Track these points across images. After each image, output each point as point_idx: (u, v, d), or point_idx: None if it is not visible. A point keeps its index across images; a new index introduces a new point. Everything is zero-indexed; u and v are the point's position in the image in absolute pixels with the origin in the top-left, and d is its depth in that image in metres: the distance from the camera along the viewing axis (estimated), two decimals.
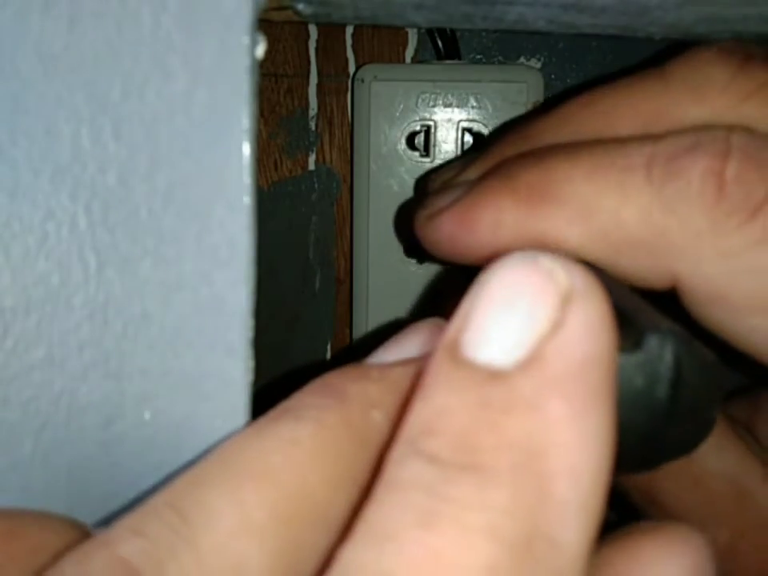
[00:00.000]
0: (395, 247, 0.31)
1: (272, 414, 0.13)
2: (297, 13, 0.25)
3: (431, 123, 0.30)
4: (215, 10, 0.15)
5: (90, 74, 0.15)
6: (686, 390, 0.14)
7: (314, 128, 0.33)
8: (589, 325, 0.11)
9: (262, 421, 0.13)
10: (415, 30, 0.32)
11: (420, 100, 0.30)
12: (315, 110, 0.33)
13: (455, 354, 0.12)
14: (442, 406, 0.11)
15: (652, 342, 0.13)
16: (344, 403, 0.13)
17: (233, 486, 0.12)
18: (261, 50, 0.16)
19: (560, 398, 0.11)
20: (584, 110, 0.19)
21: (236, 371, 0.16)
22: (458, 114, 0.30)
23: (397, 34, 0.32)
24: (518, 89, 0.30)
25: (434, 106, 0.30)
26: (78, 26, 0.15)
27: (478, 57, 0.32)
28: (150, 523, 0.11)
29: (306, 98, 0.33)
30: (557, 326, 0.11)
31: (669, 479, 0.22)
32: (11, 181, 0.15)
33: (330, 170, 0.33)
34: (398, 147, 0.30)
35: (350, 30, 0.32)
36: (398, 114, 0.30)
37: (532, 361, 0.11)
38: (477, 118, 0.30)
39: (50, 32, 0.15)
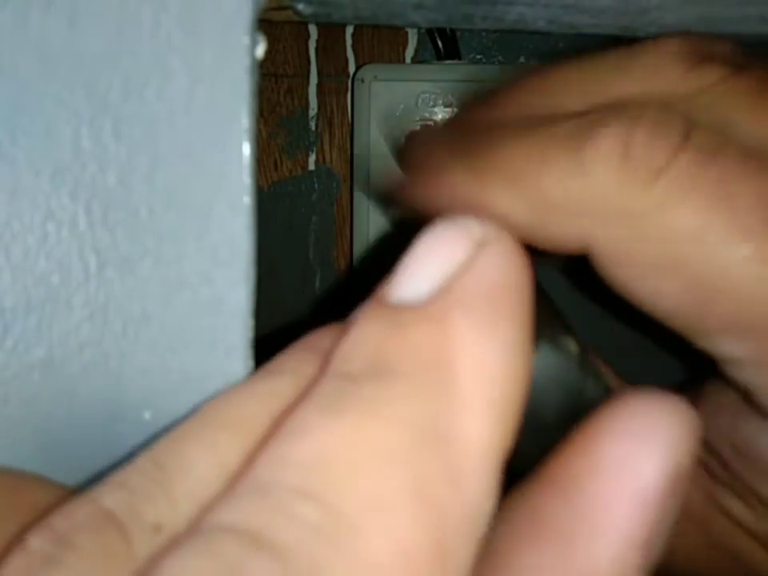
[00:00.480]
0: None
1: (253, 375, 0.14)
2: (297, 13, 0.25)
3: (431, 123, 0.30)
4: (215, 10, 0.15)
5: (90, 74, 0.15)
6: (550, 410, 0.13)
7: (314, 128, 0.33)
8: (497, 261, 0.12)
9: (243, 383, 0.14)
10: (415, 30, 0.32)
11: (420, 100, 0.30)
12: (315, 110, 0.33)
13: (378, 300, 0.13)
14: (358, 335, 0.12)
15: (540, 351, 0.13)
16: (320, 356, 0.14)
17: (209, 437, 0.12)
18: (261, 50, 0.16)
19: (464, 313, 0.12)
20: (539, 85, 0.21)
21: (236, 371, 0.16)
22: None
23: (397, 33, 0.32)
24: None
25: (434, 106, 0.30)
26: (78, 26, 0.15)
27: (478, 57, 0.32)
28: (132, 476, 0.12)
29: (306, 98, 0.33)
30: (467, 264, 0.12)
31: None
32: (11, 181, 0.15)
33: (330, 170, 0.33)
34: (399, 147, 0.30)
35: (350, 30, 0.32)
36: (398, 115, 0.30)
37: (441, 291, 0.12)
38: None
39: (50, 32, 0.15)
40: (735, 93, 0.19)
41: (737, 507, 0.21)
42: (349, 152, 0.33)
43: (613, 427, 0.12)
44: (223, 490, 0.12)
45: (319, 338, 0.14)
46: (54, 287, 0.16)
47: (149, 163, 0.16)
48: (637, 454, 0.12)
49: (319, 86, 0.32)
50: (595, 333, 0.29)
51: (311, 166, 0.33)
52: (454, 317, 0.12)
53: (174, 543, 0.11)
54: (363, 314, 0.13)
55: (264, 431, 0.12)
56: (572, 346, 0.14)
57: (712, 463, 0.22)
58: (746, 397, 0.20)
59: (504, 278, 0.12)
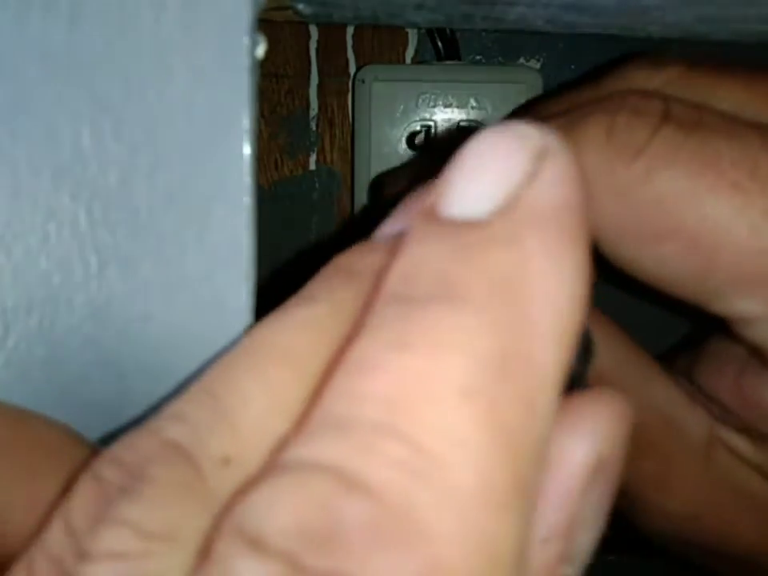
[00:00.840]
0: None
1: (288, 302, 0.13)
2: (297, 13, 0.25)
3: (431, 123, 0.30)
4: (215, 10, 0.15)
5: (90, 74, 0.15)
6: None
7: (314, 128, 0.33)
8: (562, 175, 0.12)
9: (280, 309, 0.13)
10: (415, 30, 0.32)
11: (420, 100, 0.30)
12: (316, 111, 0.33)
13: (431, 215, 0.12)
14: (418, 256, 0.12)
15: None
16: (353, 279, 0.13)
17: (260, 369, 0.12)
18: (261, 50, 0.16)
19: (536, 235, 0.11)
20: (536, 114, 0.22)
21: None
22: (458, 114, 0.30)
23: (397, 34, 0.32)
24: (517, 89, 0.30)
25: (434, 107, 0.30)
26: (78, 26, 0.15)
27: (478, 57, 0.32)
28: (190, 408, 0.12)
29: (307, 99, 0.33)
30: (531, 177, 0.12)
31: None
32: (12, 181, 0.15)
33: (330, 170, 0.33)
34: (399, 147, 0.30)
35: (350, 30, 0.32)
36: (398, 115, 0.30)
37: (508, 207, 0.11)
38: (477, 118, 0.30)
39: (50, 32, 0.15)
40: (698, 78, 0.21)
41: (739, 441, 0.22)
42: (349, 152, 0.33)
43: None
44: (292, 424, 0.12)
45: (349, 260, 0.14)
46: (54, 287, 0.16)
47: (149, 163, 0.16)
48: (563, 453, 0.13)
49: (320, 86, 0.32)
50: (596, 293, 0.29)
51: (312, 166, 0.33)
52: (526, 239, 0.11)
53: (259, 479, 0.10)
54: (417, 231, 0.12)
55: (313, 363, 0.12)
56: None
57: (714, 408, 0.22)
58: (756, 353, 0.21)
59: (569, 196, 0.12)
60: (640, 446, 0.22)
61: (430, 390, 0.10)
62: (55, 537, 0.11)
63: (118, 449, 0.12)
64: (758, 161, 0.18)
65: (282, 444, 0.11)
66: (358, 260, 0.14)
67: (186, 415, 0.12)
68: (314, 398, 0.12)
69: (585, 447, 0.12)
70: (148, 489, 0.11)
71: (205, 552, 0.10)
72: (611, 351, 0.22)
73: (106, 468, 0.11)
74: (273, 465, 0.11)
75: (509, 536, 0.10)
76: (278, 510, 0.10)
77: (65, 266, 0.16)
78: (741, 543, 0.22)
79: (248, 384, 0.12)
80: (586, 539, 0.13)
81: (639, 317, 0.28)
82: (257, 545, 0.10)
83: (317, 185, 0.33)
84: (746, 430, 0.22)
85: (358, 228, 0.33)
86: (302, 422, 0.11)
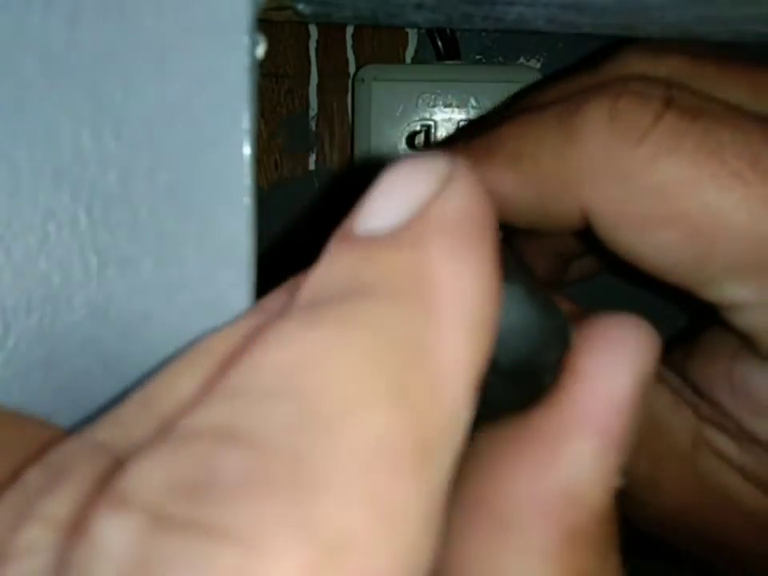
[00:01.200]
0: None
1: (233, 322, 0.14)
2: (297, 13, 0.25)
3: (431, 123, 0.30)
4: (215, 10, 0.15)
5: (90, 74, 0.15)
6: (520, 347, 0.13)
7: (314, 128, 0.33)
8: (466, 193, 0.12)
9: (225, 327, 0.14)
10: (415, 30, 0.32)
11: (420, 100, 0.30)
12: (315, 111, 0.33)
13: (343, 236, 0.12)
14: (327, 268, 0.12)
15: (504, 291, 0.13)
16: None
17: (195, 371, 0.12)
18: (261, 50, 0.16)
19: (440, 238, 0.12)
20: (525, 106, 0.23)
21: None
22: (457, 114, 0.30)
23: (397, 34, 0.32)
24: (517, 89, 0.30)
25: (434, 106, 0.30)
26: (78, 26, 0.15)
27: (478, 57, 0.32)
28: (122, 411, 0.12)
29: (307, 99, 0.33)
30: (436, 194, 0.12)
31: None
32: (12, 181, 0.15)
33: (330, 170, 0.33)
34: (399, 147, 0.30)
35: (350, 30, 0.32)
36: (398, 115, 0.30)
37: (414, 219, 0.12)
38: (477, 117, 0.30)
39: (50, 32, 0.15)
40: (701, 69, 0.21)
41: (724, 443, 0.22)
42: (349, 152, 0.33)
43: (587, 346, 0.14)
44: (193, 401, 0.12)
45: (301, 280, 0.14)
46: (54, 287, 0.16)
47: (149, 163, 0.16)
48: (609, 367, 0.13)
49: (319, 86, 0.32)
50: (593, 284, 0.29)
51: (311, 166, 0.33)
52: (431, 240, 0.12)
53: (138, 449, 0.10)
54: (329, 250, 0.12)
55: None
56: (532, 287, 0.14)
57: (702, 406, 0.22)
58: (747, 341, 0.21)
59: (473, 208, 0.12)
60: (633, 446, 0.22)
61: (332, 358, 0.10)
62: None
63: (47, 454, 0.12)
64: (759, 152, 0.18)
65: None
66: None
67: (118, 418, 0.12)
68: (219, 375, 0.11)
69: (635, 366, 0.13)
70: (65, 483, 0.11)
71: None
72: None
73: (32, 472, 0.11)
74: (157, 436, 0.11)
75: (408, 504, 0.10)
76: (149, 471, 0.10)
77: (65, 265, 0.16)
78: (728, 542, 0.22)
79: (179, 382, 0.12)
80: (628, 452, 0.14)
81: (635, 310, 0.29)
82: (120, 505, 0.09)
83: (316, 185, 0.33)
84: (733, 430, 0.22)
85: None
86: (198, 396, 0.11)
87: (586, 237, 0.22)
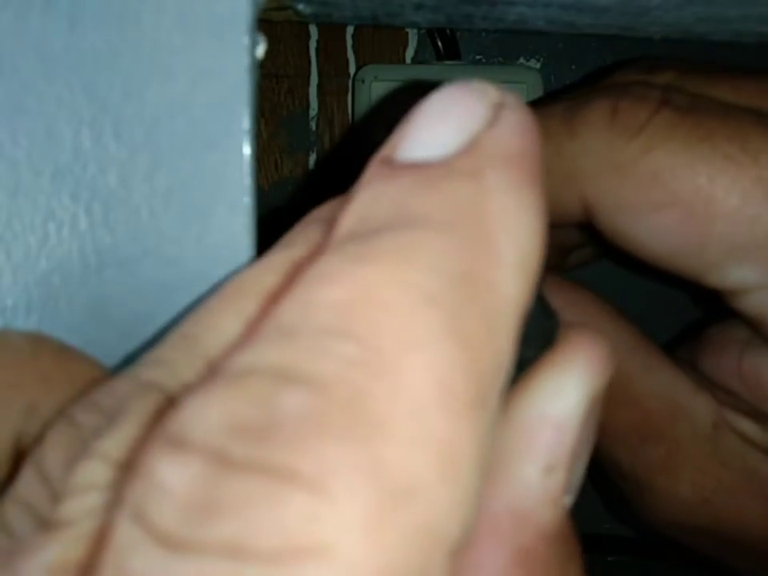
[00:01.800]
0: None
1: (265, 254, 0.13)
2: (297, 13, 0.25)
3: None
4: (215, 10, 0.15)
5: (90, 74, 0.15)
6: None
7: (314, 128, 0.33)
8: (519, 125, 0.12)
9: (258, 259, 0.13)
10: (415, 30, 0.32)
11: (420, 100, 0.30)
12: (316, 111, 0.33)
13: (386, 162, 0.12)
14: (373, 195, 0.11)
15: None
16: (329, 226, 0.13)
17: (235, 307, 0.12)
18: (261, 50, 0.16)
19: (497, 172, 0.11)
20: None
21: None
22: None
23: (397, 34, 0.32)
24: (517, 89, 0.30)
25: None
26: (78, 26, 0.15)
27: (478, 57, 0.32)
28: (166, 351, 0.12)
29: (307, 99, 0.33)
30: (490, 124, 0.12)
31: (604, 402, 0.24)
32: (12, 181, 0.15)
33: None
34: None
35: (350, 30, 0.32)
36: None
37: (469, 148, 0.11)
38: None
39: (50, 32, 0.15)
40: (695, 79, 0.22)
41: (745, 424, 0.22)
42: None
43: (543, 361, 0.13)
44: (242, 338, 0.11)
45: (325, 211, 0.13)
46: (54, 287, 0.16)
47: (149, 163, 0.16)
48: (558, 386, 0.13)
49: (320, 86, 0.32)
50: (601, 277, 0.29)
51: (311, 166, 0.33)
52: (489, 172, 0.11)
53: (189, 389, 0.10)
54: (367, 179, 0.12)
55: None
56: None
57: (719, 393, 0.23)
58: (754, 326, 0.21)
59: (526, 143, 0.12)
60: (646, 433, 0.22)
61: (391, 296, 0.10)
62: (28, 484, 0.11)
63: (94, 394, 0.11)
64: (748, 135, 0.19)
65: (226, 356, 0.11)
66: (334, 210, 0.13)
67: (163, 358, 0.12)
68: (265, 313, 0.11)
69: (582, 387, 0.13)
70: (122, 422, 0.10)
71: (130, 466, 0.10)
72: (617, 339, 0.23)
73: (81, 412, 0.11)
74: (210, 374, 0.10)
75: (467, 446, 0.10)
76: (207, 411, 0.09)
77: (65, 265, 0.16)
78: (751, 528, 0.22)
79: (221, 320, 0.12)
80: (580, 471, 0.13)
81: (647, 302, 0.29)
82: (180, 446, 0.09)
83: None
84: (752, 412, 0.22)
85: None
86: (248, 333, 0.11)
87: (586, 229, 0.22)
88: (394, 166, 0.12)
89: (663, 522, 0.23)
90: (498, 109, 0.12)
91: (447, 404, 0.09)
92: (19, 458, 0.12)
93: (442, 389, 0.09)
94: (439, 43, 0.31)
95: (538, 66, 0.32)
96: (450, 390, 0.09)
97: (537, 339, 0.14)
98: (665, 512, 0.23)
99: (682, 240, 0.20)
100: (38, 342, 0.14)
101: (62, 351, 0.14)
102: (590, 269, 0.29)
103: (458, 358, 0.10)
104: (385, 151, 0.12)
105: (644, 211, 0.20)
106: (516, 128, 0.12)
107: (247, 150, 0.16)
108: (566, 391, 0.13)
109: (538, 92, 0.30)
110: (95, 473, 0.10)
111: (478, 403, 0.10)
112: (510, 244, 0.11)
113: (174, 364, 0.11)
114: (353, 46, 0.32)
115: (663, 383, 0.22)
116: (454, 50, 0.31)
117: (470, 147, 0.11)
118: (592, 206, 0.20)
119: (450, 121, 0.12)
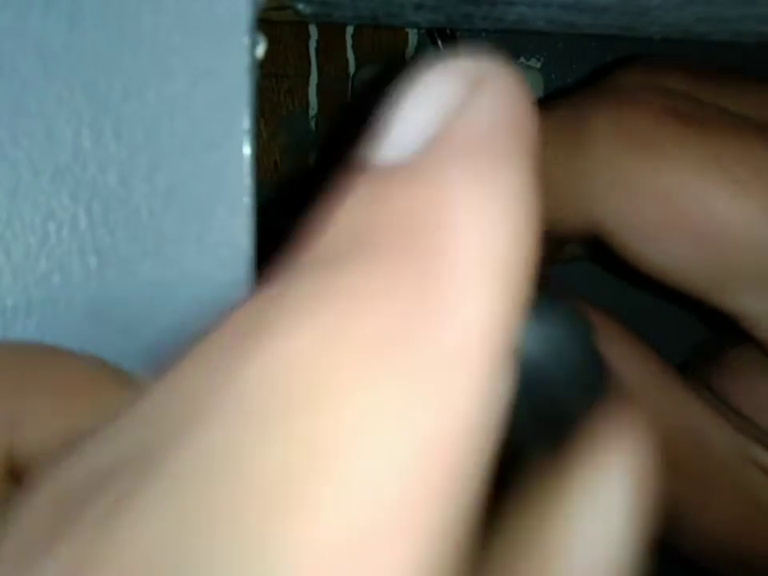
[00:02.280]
0: None
1: None
2: (297, 13, 0.25)
3: None
4: (215, 10, 0.15)
5: (90, 74, 0.15)
6: (559, 380, 0.11)
7: (314, 128, 0.33)
8: (498, 99, 0.10)
9: None
10: (415, 30, 0.32)
11: None
12: (315, 111, 0.33)
13: (361, 169, 0.10)
14: (339, 212, 0.10)
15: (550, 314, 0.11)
16: None
17: None
18: (261, 50, 0.16)
19: (462, 163, 0.10)
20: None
21: None
22: None
23: (397, 34, 0.32)
24: None
25: None
26: (78, 26, 0.15)
27: None
28: None
29: (307, 99, 0.33)
30: (462, 106, 0.10)
31: None
32: (12, 181, 0.15)
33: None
34: None
35: (350, 30, 0.32)
36: None
37: (432, 141, 0.10)
38: None
39: (50, 32, 0.15)
40: (699, 82, 0.21)
41: (766, 457, 0.21)
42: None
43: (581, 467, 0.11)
44: None
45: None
46: (54, 287, 0.16)
47: (149, 163, 0.16)
48: (601, 501, 0.11)
49: (319, 86, 0.32)
50: (612, 298, 0.29)
51: (311, 166, 0.33)
52: (448, 169, 0.10)
53: None
54: (347, 188, 0.10)
55: None
56: (577, 313, 0.11)
57: (741, 423, 0.22)
58: (765, 352, 0.21)
59: (504, 117, 0.10)
60: (674, 468, 0.22)
61: (331, 355, 0.09)
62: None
63: None
64: (759, 159, 0.19)
65: None
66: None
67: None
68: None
69: (623, 491, 0.11)
70: None
71: None
72: (639, 375, 0.22)
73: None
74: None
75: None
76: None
77: (64, 266, 0.16)
78: None
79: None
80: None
81: (662, 321, 0.29)
82: None
83: None
84: None
85: None
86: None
87: (587, 242, 0.22)
88: (367, 171, 0.10)
89: (691, 553, 0.23)
90: (475, 86, 0.10)
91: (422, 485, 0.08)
92: (15, 471, 0.12)
93: (422, 451, 0.08)
94: (439, 43, 0.31)
95: (539, 65, 0.32)
96: (429, 451, 0.08)
97: (583, 388, 0.11)
98: (696, 544, 0.22)
99: (693, 262, 0.19)
100: None
101: (34, 360, 0.14)
102: (589, 282, 0.29)
103: (420, 419, 0.08)
104: (363, 151, 0.11)
105: (654, 232, 0.19)
106: (493, 103, 0.10)
107: (247, 149, 0.16)
108: (614, 509, 0.11)
109: (539, 92, 0.30)
110: None
111: (458, 456, 0.08)
112: (476, 254, 0.09)
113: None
114: (353, 46, 0.32)
115: (689, 418, 0.22)
116: (453, 50, 0.31)
117: (431, 142, 0.10)
118: (599, 223, 0.20)
119: (419, 111, 0.10)
